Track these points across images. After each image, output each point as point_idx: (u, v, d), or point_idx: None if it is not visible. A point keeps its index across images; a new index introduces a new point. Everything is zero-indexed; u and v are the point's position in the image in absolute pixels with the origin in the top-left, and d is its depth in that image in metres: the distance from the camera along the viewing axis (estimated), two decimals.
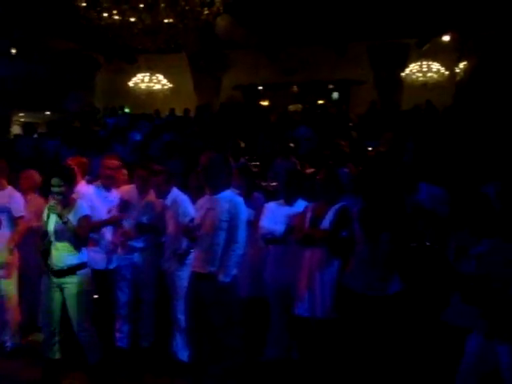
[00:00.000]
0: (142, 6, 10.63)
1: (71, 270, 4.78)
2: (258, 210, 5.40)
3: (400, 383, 4.44)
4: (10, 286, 5.83)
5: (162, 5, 10.52)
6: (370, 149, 9.21)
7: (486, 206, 3.71)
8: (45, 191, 6.67)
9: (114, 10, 10.81)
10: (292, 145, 8.70)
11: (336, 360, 4.51)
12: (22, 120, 18.33)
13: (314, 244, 4.72)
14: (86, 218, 4.85)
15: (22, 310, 6.01)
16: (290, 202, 5.31)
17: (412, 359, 4.56)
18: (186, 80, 18.86)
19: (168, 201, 5.59)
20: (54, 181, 4.74)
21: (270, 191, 7.10)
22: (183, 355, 5.30)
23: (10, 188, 5.94)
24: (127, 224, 5.68)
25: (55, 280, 4.81)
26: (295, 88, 18.40)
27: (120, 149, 10.35)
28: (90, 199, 5.44)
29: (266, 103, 18.68)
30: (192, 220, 4.66)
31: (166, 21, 10.84)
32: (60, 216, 4.67)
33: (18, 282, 5.92)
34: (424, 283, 4.64)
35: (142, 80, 17.86)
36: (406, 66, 17.03)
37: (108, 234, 5.77)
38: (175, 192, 5.65)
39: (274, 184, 7.47)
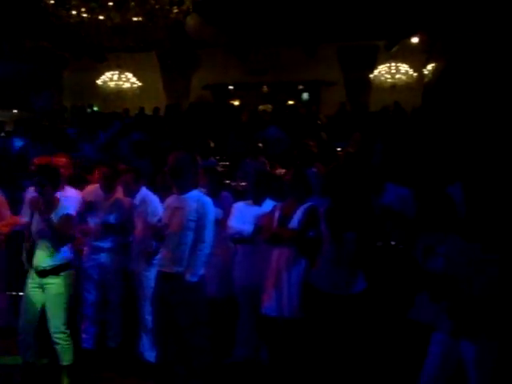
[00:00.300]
0: (111, 4, 10.57)
1: (54, 271, 4.74)
2: (226, 210, 5.40)
3: (365, 382, 4.47)
4: None
5: (132, 3, 10.46)
6: (339, 149, 9.28)
7: (448, 205, 3.75)
8: (11, 189, 6.60)
9: (83, 7, 10.73)
10: (261, 145, 8.70)
11: (303, 359, 4.52)
12: None
13: (282, 243, 4.72)
14: (68, 217, 4.79)
15: None
16: (258, 201, 5.32)
17: (377, 358, 4.61)
18: (155, 79, 18.75)
19: (137, 200, 5.55)
20: (38, 180, 4.71)
21: (240, 191, 7.10)
22: (150, 356, 5.26)
23: None
24: (93, 224, 5.62)
25: (38, 280, 4.77)
26: (265, 88, 18.41)
27: (88, 148, 10.24)
28: None
29: (236, 103, 18.67)
30: (160, 220, 4.63)
31: (135, 19, 10.78)
32: (42, 215, 4.64)
33: None
34: (389, 282, 4.69)
35: (110, 78, 17.72)
36: (375, 67, 17.21)
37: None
38: (144, 191, 5.60)
39: (244, 184, 7.48)
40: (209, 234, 4.36)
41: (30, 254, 4.79)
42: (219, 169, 7.51)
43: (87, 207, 5.66)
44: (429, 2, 12.37)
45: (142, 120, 14.76)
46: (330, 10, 13.51)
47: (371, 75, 17.15)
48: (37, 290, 4.80)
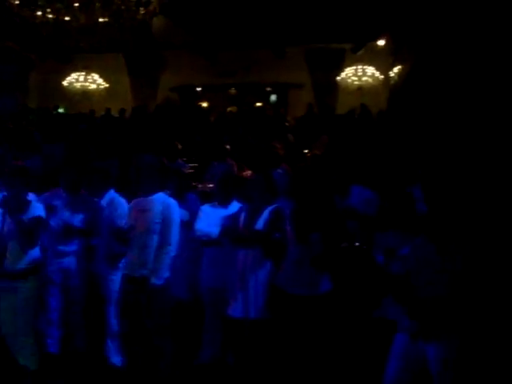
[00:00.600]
0: (76, 4, 10.49)
1: (23, 274, 4.66)
2: (192, 212, 5.39)
3: (329, 382, 4.52)
4: None
5: (97, 4, 10.39)
6: (306, 151, 9.34)
7: (408, 205, 3.81)
8: None
9: (49, 8, 10.62)
10: (228, 147, 8.72)
11: (269, 360, 4.54)
12: None
13: (248, 245, 4.74)
14: (38, 219, 4.72)
15: None
16: (224, 203, 5.32)
17: (342, 358, 4.65)
18: (122, 80, 18.57)
19: (104, 201, 5.48)
20: (9, 181, 4.65)
21: (207, 193, 7.10)
22: (116, 360, 5.20)
23: None
24: (56, 227, 5.52)
25: (7, 283, 4.66)
26: (233, 90, 18.43)
27: (52, 149, 10.09)
28: None
29: (205, 105, 18.64)
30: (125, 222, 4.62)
31: (101, 20, 10.71)
32: (13, 216, 4.57)
33: None
34: (354, 283, 4.74)
35: (76, 79, 17.60)
36: (341, 70, 17.36)
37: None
38: (112, 193, 5.54)
39: (211, 186, 7.47)
40: (174, 236, 4.36)
41: (1, 256, 4.68)
42: (187, 171, 7.50)
43: (48, 210, 5.55)
44: (394, 6, 12.53)
45: (108, 122, 14.66)
46: (298, 12, 13.59)
47: (338, 78, 17.30)
48: (6, 293, 4.67)
